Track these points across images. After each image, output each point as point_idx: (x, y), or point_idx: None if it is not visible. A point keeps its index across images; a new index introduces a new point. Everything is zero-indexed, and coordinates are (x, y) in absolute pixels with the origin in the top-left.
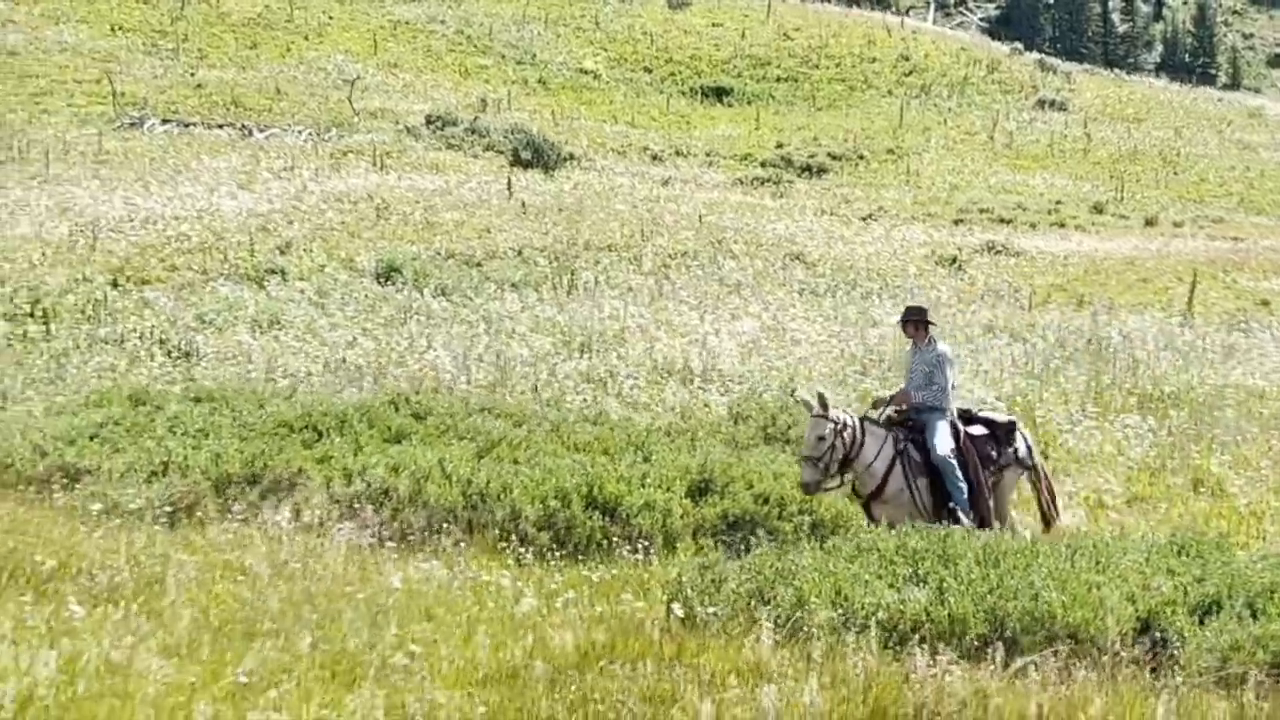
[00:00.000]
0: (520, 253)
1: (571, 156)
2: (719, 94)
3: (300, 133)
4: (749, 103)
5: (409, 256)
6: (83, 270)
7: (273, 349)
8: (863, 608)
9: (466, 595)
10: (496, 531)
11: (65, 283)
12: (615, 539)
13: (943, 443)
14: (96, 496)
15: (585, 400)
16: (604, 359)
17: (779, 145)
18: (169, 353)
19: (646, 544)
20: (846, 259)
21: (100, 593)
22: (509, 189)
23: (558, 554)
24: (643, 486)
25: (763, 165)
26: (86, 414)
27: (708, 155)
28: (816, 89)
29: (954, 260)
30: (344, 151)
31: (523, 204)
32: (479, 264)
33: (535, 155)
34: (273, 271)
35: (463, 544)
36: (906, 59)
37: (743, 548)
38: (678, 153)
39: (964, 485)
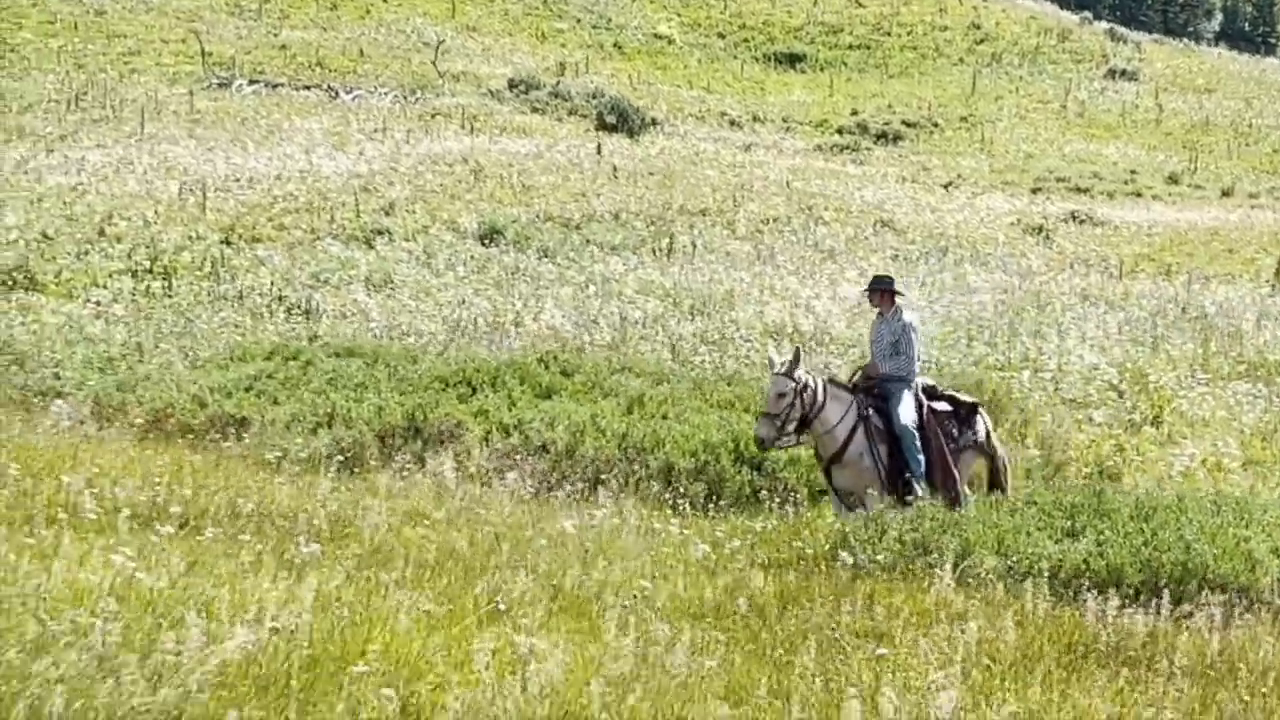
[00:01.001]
0: (617, 216)
1: (654, 121)
2: (792, 60)
3: (386, 94)
4: (822, 69)
5: (509, 219)
6: (195, 228)
7: (389, 308)
8: (1025, 557)
9: (640, 540)
10: (654, 483)
11: (180, 240)
12: (764, 491)
13: (905, 412)
14: (267, 445)
15: (704, 360)
16: (716, 321)
17: (854, 112)
18: (288, 310)
19: (794, 496)
20: (935, 226)
21: (300, 533)
22: (599, 153)
23: (711, 505)
24: None
25: (839, 132)
26: (236, 368)
27: (784, 121)
28: (888, 57)
29: (1040, 229)
30: (432, 114)
31: (614, 168)
32: (577, 227)
33: (620, 120)
34: (379, 232)
35: (621, 494)
36: (977, 27)
37: None
38: (755, 119)
39: (922, 457)
